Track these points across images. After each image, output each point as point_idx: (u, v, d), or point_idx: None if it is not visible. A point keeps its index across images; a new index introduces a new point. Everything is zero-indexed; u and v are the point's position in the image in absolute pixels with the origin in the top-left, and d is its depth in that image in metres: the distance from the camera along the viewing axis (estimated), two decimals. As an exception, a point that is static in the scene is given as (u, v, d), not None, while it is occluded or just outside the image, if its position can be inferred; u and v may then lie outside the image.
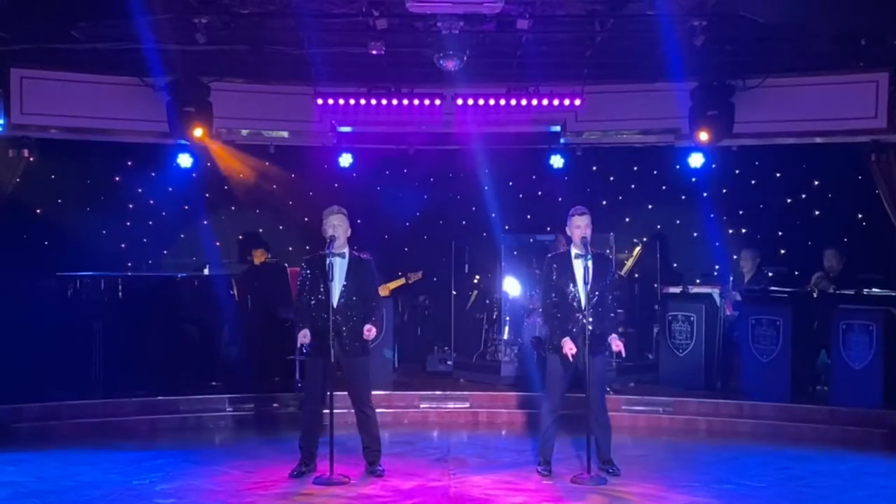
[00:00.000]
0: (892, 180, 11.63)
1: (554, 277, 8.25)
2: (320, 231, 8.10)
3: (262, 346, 12.08)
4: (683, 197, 14.04)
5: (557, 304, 8.22)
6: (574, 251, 8.19)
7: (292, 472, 8.15)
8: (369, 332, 7.95)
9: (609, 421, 8.34)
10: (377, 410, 8.44)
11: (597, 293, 8.10)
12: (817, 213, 13.63)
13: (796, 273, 12.61)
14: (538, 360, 11.76)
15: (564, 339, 8.05)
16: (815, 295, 11.61)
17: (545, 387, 8.38)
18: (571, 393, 8.31)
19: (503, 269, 12.94)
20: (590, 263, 8.00)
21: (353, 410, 8.32)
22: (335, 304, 7.92)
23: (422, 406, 11.31)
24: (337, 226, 8.00)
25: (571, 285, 8.12)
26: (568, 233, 8.30)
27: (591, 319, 8.02)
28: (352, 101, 12.12)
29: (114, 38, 10.32)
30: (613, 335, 8.20)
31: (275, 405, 11.10)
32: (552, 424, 8.28)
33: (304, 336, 7.96)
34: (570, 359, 8.01)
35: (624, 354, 8.43)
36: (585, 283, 8.02)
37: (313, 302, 8.03)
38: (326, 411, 7.94)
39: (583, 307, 8.04)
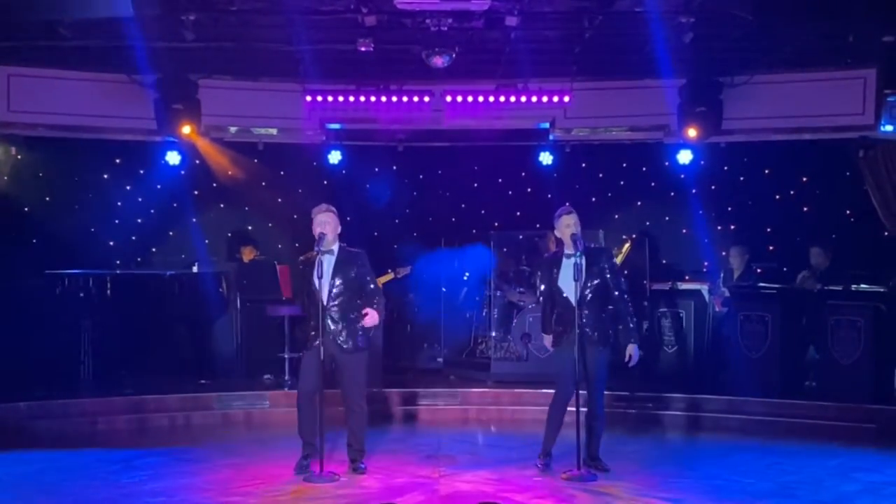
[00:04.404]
0: (880, 176, 11.70)
1: (546, 280, 8.30)
2: (309, 229, 8.09)
3: (252, 344, 12.07)
4: (672, 193, 14.05)
5: (551, 304, 8.27)
6: (566, 251, 8.20)
7: (296, 465, 8.11)
8: (367, 317, 7.92)
9: (604, 419, 8.35)
10: (367, 408, 8.42)
11: (589, 289, 8.09)
12: (806, 209, 13.66)
13: (785, 269, 12.63)
14: (528, 356, 11.81)
15: (544, 336, 8.48)
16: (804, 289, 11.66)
17: (556, 380, 8.41)
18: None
19: (492, 265, 12.94)
20: (580, 261, 8.00)
21: (342, 408, 8.31)
22: (325, 302, 7.92)
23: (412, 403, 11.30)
24: (325, 223, 7.98)
25: (562, 286, 8.13)
26: (558, 234, 8.31)
27: (585, 317, 8.02)
28: (340, 98, 12.11)
29: (101, 36, 10.29)
30: (630, 345, 8.16)
31: (265, 403, 11.08)
32: (558, 413, 8.25)
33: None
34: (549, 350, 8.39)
35: (633, 362, 8.26)
36: (575, 279, 8.00)
37: (306, 301, 8.06)
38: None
39: (574, 305, 8.03)
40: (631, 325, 8.24)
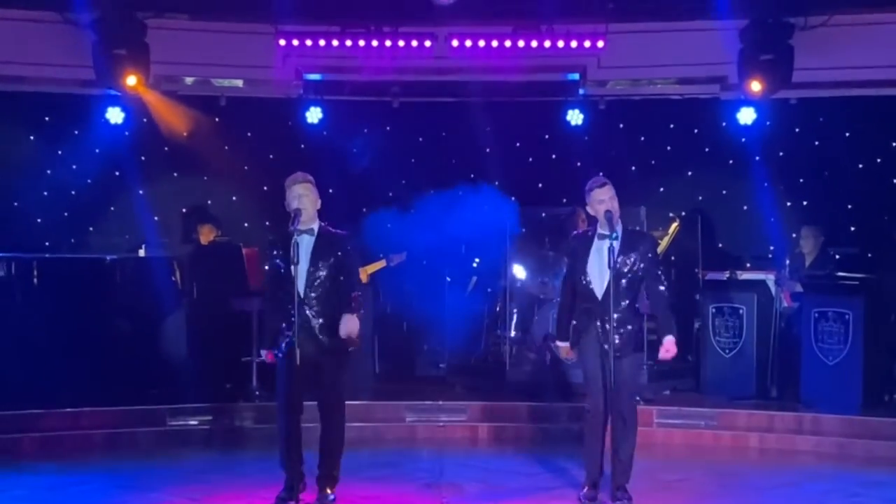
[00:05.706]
0: None
1: (571, 263, 8.19)
2: (282, 203, 8.01)
3: (211, 346, 12.03)
4: (731, 161, 14.04)
5: (571, 297, 8.15)
6: (599, 230, 8.07)
7: (278, 496, 8.02)
8: (346, 326, 7.81)
9: (635, 438, 8.23)
10: (351, 424, 8.35)
11: (623, 282, 7.97)
12: (895, 180, 13.61)
13: (869, 255, 12.60)
14: (552, 361, 11.75)
15: (559, 344, 8.25)
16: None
17: (585, 391, 8.31)
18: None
19: (509, 249, 12.88)
20: (615, 244, 7.87)
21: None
22: (301, 293, 7.83)
23: (409, 419, 11.31)
24: (302, 196, 7.89)
25: (587, 272, 8.02)
26: (591, 212, 8.18)
27: (614, 314, 7.90)
28: (322, 43, 12.09)
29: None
30: (669, 337, 8.03)
31: (227, 418, 11.06)
32: (593, 430, 8.13)
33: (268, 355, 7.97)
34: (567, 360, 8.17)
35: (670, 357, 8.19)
36: (609, 267, 7.88)
37: (277, 291, 7.96)
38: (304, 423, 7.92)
39: (600, 299, 7.92)
40: (669, 315, 8.16)
